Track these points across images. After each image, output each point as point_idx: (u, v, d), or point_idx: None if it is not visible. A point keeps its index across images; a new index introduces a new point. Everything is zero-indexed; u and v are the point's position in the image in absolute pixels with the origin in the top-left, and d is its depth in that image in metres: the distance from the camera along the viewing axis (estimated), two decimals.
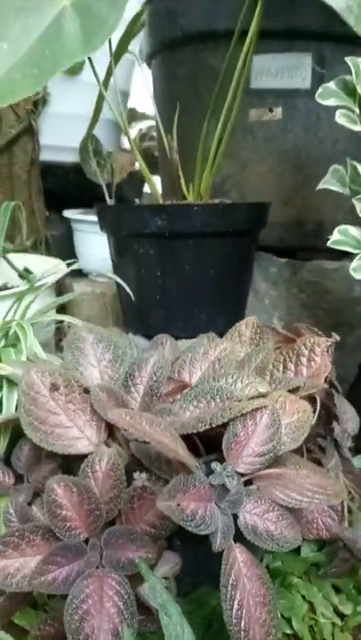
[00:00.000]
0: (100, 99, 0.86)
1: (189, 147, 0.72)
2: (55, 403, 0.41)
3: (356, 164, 0.61)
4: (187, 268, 0.61)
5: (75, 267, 0.73)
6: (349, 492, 0.49)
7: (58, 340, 0.79)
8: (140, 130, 1.57)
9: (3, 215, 0.67)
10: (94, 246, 0.96)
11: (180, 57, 0.79)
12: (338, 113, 0.58)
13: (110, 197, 0.98)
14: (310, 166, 0.77)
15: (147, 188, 1.23)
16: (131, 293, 0.61)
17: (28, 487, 0.47)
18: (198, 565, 0.42)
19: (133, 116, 1.53)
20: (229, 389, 0.39)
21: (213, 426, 0.36)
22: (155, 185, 0.68)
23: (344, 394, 0.82)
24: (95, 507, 0.37)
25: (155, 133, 1.42)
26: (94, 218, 0.90)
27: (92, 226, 0.93)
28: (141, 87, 1.20)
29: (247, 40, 0.65)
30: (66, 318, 0.61)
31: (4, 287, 0.86)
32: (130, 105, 1.40)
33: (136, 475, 0.37)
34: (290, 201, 0.79)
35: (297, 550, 0.50)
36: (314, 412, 0.46)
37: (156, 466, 0.37)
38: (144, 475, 0.37)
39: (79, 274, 1.05)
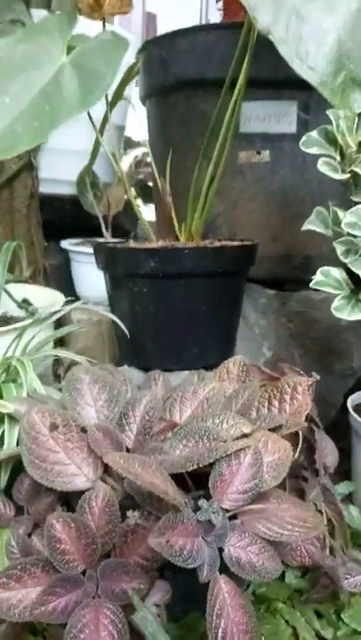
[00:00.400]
0: (97, 144, 0.91)
1: (182, 186, 0.77)
2: (55, 441, 0.45)
3: (336, 209, 0.65)
4: (179, 305, 0.65)
5: (74, 294, 0.76)
6: (330, 521, 0.52)
7: (55, 369, 0.83)
8: (136, 157, 1.62)
9: (4, 254, 0.71)
10: (90, 276, 0.99)
11: (172, 101, 0.84)
12: (320, 161, 0.63)
13: (107, 229, 1.02)
14: (297, 205, 0.81)
15: None
16: (126, 331, 0.64)
17: (28, 519, 0.50)
18: (188, 593, 0.45)
19: (129, 144, 1.58)
20: (216, 430, 0.42)
21: (201, 466, 0.40)
22: (147, 225, 0.72)
23: (331, 419, 0.86)
24: (92, 541, 0.40)
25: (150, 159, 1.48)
26: (90, 249, 0.94)
27: (88, 257, 0.97)
28: (137, 119, 1.25)
29: (237, 88, 0.70)
30: (64, 354, 0.65)
31: (4, 317, 0.89)
32: (126, 133, 1.45)
33: (129, 513, 0.40)
34: (278, 237, 0.83)
35: (282, 576, 0.54)
36: (296, 446, 0.49)
37: (148, 503, 0.40)
38: (137, 513, 0.40)
39: (76, 300, 1.08)
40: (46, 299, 0.91)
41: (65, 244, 1.03)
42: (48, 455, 0.44)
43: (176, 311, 0.65)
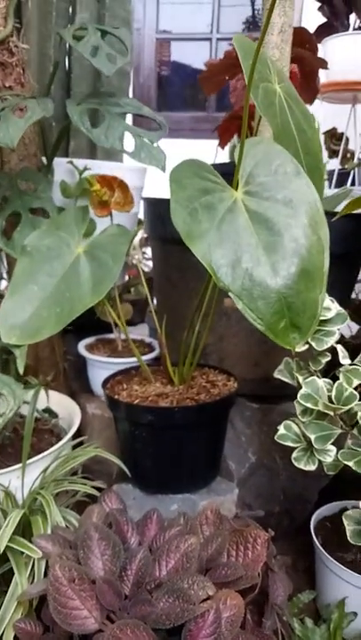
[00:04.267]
0: None
1: (177, 320, 0.92)
2: (72, 591, 0.60)
3: (300, 363, 0.80)
4: (172, 447, 0.80)
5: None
6: None
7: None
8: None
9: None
10: (103, 377, 1.16)
11: (170, 249, 0.99)
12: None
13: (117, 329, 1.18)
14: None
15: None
16: (128, 472, 0.80)
17: (52, 637, 0.66)
18: None
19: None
20: (188, 593, 0.57)
21: (176, 625, 0.55)
22: (145, 367, 0.88)
23: (307, 513, 1.00)
24: None
25: None
26: (101, 357, 1.11)
27: (101, 363, 1.13)
28: None
29: None
30: (83, 489, 0.80)
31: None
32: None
33: None
34: (259, 363, 0.98)
35: None
36: (254, 588, 0.65)
37: None
38: None
39: (92, 394, 1.24)
40: (65, 405, 1.07)
41: (81, 348, 1.19)
42: (67, 602, 0.60)
43: (170, 451, 0.81)
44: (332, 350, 0.78)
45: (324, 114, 2.34)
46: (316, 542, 0.79)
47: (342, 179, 2.39)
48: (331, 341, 0.76)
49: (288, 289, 0.59)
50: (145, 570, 0.62)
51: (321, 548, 0.78)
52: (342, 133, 2.48)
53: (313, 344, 0.76)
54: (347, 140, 2.46)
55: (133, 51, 2.91)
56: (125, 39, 0.85)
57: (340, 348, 0.77)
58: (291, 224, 0.61)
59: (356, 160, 2.26)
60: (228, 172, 0.78)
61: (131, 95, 2.95)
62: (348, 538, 0.67)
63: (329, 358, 0.78)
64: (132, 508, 0.84)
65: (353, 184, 2.34)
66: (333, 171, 2.40)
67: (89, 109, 0.80)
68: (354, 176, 2.36)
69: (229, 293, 0.60)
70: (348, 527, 0.67)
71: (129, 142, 0.82)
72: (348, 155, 2.47)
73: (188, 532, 0.69)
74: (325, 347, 0.76)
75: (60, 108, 1.13)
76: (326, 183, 2.50)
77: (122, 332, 1.25)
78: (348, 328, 1.37)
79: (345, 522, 0.69)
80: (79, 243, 0.81)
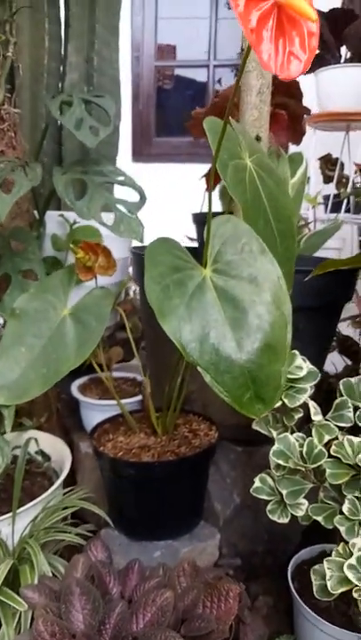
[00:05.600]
0: None
1: (161, 366, 0.96)
2: None
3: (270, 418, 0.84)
4: (154, 499, 0.85)
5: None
6: None
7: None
8: None
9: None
10: (94, 420, 1.20)
11: None
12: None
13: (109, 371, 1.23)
14: None
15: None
16: (110, 521, 0.85)
17: None
18: None
19: None
20: None
21: None
22: (129, 417, 0.92)
23: (290, 553, 1.04)
24: None
25: None
26: (94, 400, 1.15)
27: (93, 406, 1.17)
28: None
29: None
30: (68, 538, 0.85)
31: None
32: None
33: None
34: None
35: None
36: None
37: None
38: None
39: (85, 432, 1.29)
40: (57, 449, 1.12)
41: (74, 388, 1.24)
42: None
43: (152, 501, 0.85)
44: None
45: (320, 140, 2.39)
46: (292, 588, 0.83)
47: (338, 203, 2.44)
48: (302, 398, 0.80)
49: (252, 363, 0.64)
50: (122, 624, 0.66)
51: (296, 594, 0.81)
52: (337, 159, 2.53)
53: (286, 401, 0.80)
54: (342, 165, 2.51)
55: (132, 78, 2.99)
56: (109, 108, 0.91)
57: (311, 404, 0.81)
58: (255, 301, 0.66)
59: (349, 188, 2.30)
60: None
61: (130, 121, 3.02)
62: (315, 593, 0.71)
63: (301, 414, 0.82)
64: (118, 553, 0.88)
65: (348, 210, 2.38)
66: (329, 196, 2.44)
67: (74, 179, 0.85)
68: (349, 201, 2.40)
69: (197, 367, 0.64)
70: (315, 582, 0.71)
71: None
72: (344, 180, 2.51)
73: (165, 585, 0.73)
74: (297, 403, 0.80)
75: (52, 160, 1.19)
76: (322, 207, 2.55)
77: (113, 372, 1.30)
78: (333, 365, 1.41)
79: (312, 577, 0.73)
80: (65, 305, 0.86)
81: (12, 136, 1.00)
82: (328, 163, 2.57)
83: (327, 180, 2.56)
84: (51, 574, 0.81)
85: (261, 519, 1.05)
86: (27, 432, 1.15)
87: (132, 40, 2.93)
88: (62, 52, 1.16)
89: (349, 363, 1.41)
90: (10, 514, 0.86)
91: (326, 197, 2.50)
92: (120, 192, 0.93)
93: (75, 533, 0.86)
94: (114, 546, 0.89)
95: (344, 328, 1.47)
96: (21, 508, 0.88)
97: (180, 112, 3.25)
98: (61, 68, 1.16)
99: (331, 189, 2.47)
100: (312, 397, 1.17)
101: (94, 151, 0.87)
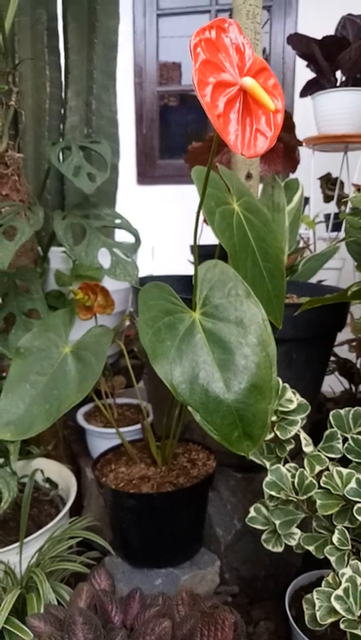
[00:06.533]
0: None
1: (164, 398, 1.00)
2: None
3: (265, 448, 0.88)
4: (155, 526, 0.88)
5: None
6: None
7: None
8: None
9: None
10: (100, 446, 1.24)
11: None
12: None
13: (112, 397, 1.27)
14: None
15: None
16: (111, 550, 0.88)
17: None
18: None
19: None
20: None
21: None
22: (131, 449, 0.96)
23: (292, 575, 1.06)
24: None
25: None
26: (97, 429, 1.19)
27: (97, 433, 1.21)
28: None
29: None
30: (75, 568, 0.88)
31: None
32: None
33: None
34: None
35: None
36: None
37: None
38: None
39: (91, 459, 1.33)
40: (64, 477, 1.16)
41: (79, 416, 1.28)
42: None
43: (152, 530, 0.88)
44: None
45: (320, 160, 2.44)
46: (289, 614, 0.85)
47: (339, 222, 2.48)
48: (294, 430, 0.83)
49: (239, 403, 0.67)
50: None
51: (293, 621, 0.84)
52: (336, 178, 2.57)
53: (278, 433, 0.84)
54: (342, 184, 2.55)
55: (135, 103, 3.07)
56: (105, 154, 0.96)
57: (303, 436, 0.84)
58: (242, 343, 0.69)
59: (347, 209, 2.33)
60: (210, 254, 0.87)
61: (134, 145, 3.09)
62: (307, 623, 0.74)
63: (293, 445, 0.85)
64: (121, 581, 0.91)
65: None
66: (330, 215, 2.48)
67: (73, 224, 0.90)
68: None
69: (188, 407, 0.68)
70: (307, 612, 0.74)
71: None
72: (343, 199, 2.55)
73: (164, 614, 0.76)
74: (289, 435, 0.83)
75: (55, 198, 1.24)
76: (323, 226, 2.58)
77: (117, 398, 1.34)
78: (331, 388, 1.43)
79: (305, 606, 0.76)
80: (66, 343, 0.90)
81: (15, 180, 1.05)
82: (328, 182, 2.62)
83: (327, 199, 2.60)
84: (56, 602, 0.85)
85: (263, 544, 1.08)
86: (34, 460, 1.19)
87: (134, 66, 3.01)
88: (63, 96, 1.22)
89: (349, 386, 1.44)
90: (18, 543, 0.90)
91: (327, 216, 2.54)
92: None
93: (80, 562, 0.90)
94: (117, 573, 0.93)
95: (344, 352, 1.50)
96: (28, 538, 0.92)
97: (185, 132, 3.32)
98: (62, 111, 1.22)
99: (332, 208, 2.51)
100: (311, 421, 1.20)
101: (94, 190, 0.91)
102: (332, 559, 0.73)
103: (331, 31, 2.06)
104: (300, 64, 2.95)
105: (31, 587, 0.87)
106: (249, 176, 1.08)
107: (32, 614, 0.81)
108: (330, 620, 0.67)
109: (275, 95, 0.47)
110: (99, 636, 0.72)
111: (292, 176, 1.53)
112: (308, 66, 2.23)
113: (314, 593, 0.70)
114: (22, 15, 1.08)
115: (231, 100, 0.46)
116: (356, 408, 0.86)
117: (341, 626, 0.64)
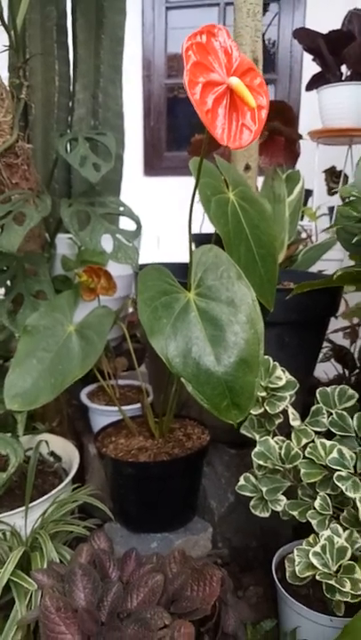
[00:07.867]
0: None
1: (164, 377, 1.06)
2: (59, 618, 0.75)
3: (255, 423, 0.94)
4: (152, 493, 0.95)
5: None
6: None
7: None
8: None
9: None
10: (103, 423, 1.31)
11: None
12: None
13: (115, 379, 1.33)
14: None
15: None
16: (112, 516, 0.95)
17: None
18: None
19: None
20: (150, 622, 0.71)
21: None
22: (130, 422, 1.02)
23: (281, 545, 1.12)
24: None
25: None
26: (101, 406, 1.26)
27: (100, 411, 1.28)
28: None
29: None
30: (77, 530, 0.95)
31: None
32: None
33: None
34: None
35: None
36: (212, 618, 0.78)
37: None
38: None
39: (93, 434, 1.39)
40: (67, 451, 1.23)
41: (83, 395, 1.34)
42: (54, 627, 0.74)
43: (149, 497, 0.95)
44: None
45: (327, 153, 2.47)
46: (275, 577, 0.92)
47: None
48: (282, 405, 0.89)
49: (229, 375, 0.74)
50: (118, 602, 0.76)
51: (278, 582, 0.90)
52: (341, 171, 2.60)
53: (267, 408, 0.90)
54: (345, 177, 2.58)
55: (143, 96, 3.11)
56: (110, 145, 1.02)
57: (291, 411, 0.90)
58: (232, 321, 0.75)
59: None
60: (209, 241, 0.93)
61: (142, 137, 3.13)
62: (288, 578, 0.80)
63: (281, 420, 0.91)
64: (119, 544, 0.98)
65: None
66: (333, 207, 2.52)
67: (79, 211, 0.96)
68: None
69: (181, 378, 0.74)
70: (288, 569, 0.80)
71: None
72: None
73: (158, 570, 0.83)
74: (278, 410, 0.89)
75: (62, 186, 1.30)
76: (327, 218, 2.62)
77: (119, 380, 1.41)
78: (325, 374, 1.49)
79: (286, 564, 0.82)
80: (71, 322, 0.96)
81: (25, 169, 1.11)
82: (332, 175, 2.65)
83: (331, 192, 2.64)
84: (59, 561, 0.92)
85: (254, 516, 1.14)
86: (39, 435, 1.26)
87: (142, 59, 3.05)
88: (71, 90, 1.27)
89: (343, 371, 1.50)
90: (23, 508, 0.97)
91: (331, 209, 2.58)
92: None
93: (81, 526, 0.97)
94: (116, 537, 0.99)
95: (340, 339, 1.55)
96: (33, 503, 0.99)
97: (192, 124, 3.36)
98: (70, 104, 1.28)
99: (336, 200, 2.55)
100: (304, 404, 1.26)
101: (99, 179, 0.97)
102: (313, 522, 0.80)
103: (339, 25, 2.09)
104: (308, 58, 2.97)
105: (35, 547, 0.94)
106: (247, 167, 1.13)
107: (36, 569, 0.88)
108: (307, 574, 0.73)
109: (260, 93, 0.52)
110: (97, 587, 0.79)
111: (296, 169, 1.57)
112: (313, 60, 2.26)
113: (295, 551, 0.76)
114: (33, 12, 1.14)
115: (219, 98, 0.52)
116: (341, 386, 0.92)
117: (318, 577, 0.70)
